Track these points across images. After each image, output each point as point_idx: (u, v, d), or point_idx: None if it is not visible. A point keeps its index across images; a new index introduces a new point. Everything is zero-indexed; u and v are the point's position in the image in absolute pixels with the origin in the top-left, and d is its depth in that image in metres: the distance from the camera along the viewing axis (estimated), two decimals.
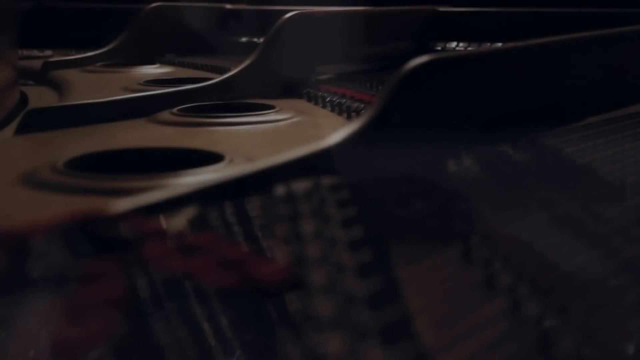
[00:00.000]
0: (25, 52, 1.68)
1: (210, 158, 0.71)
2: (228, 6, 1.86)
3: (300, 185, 0.55)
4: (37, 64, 1.48)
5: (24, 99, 1.19)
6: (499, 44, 1.44)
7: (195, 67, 1.51)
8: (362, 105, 1.00)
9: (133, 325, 0.39)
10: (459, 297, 0.43)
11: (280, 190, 0.54)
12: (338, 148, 0.59)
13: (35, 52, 1.72)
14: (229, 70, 1.18)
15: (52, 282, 0.43)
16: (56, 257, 0.45)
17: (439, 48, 1.57)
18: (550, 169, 0.67)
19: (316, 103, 1.07)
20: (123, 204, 0.50)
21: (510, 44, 0.79)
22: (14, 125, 0.92)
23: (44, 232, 0.47)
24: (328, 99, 1.06)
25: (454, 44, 1.56)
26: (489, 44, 1.51)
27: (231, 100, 1.06)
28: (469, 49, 1.53)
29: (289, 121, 0.95)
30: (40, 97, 1.22)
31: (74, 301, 0.40)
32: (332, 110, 1.01)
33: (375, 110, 0.61)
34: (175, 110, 0.97)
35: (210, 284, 0.42)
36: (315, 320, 0.38)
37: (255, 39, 1.76)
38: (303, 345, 0.36)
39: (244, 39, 1.80)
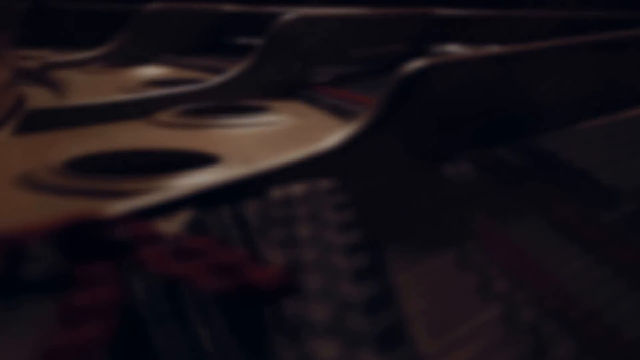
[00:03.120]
0: (25, 52, 1.67)
1: (206, 160, 0.71)
2: (227, 8, 1.86)
3: (297, 189, 0.55)
4: (36, 64, 1.48)
5: (22, 100, 1.19)
6: (496, 47, 1.44)
7: (193, 68, 1.51)
8: (359, 108, 1.00)
9: (128, 329, 0.39)
10: (454, 303, 0.43)
11: (276, 193, 0.54)
12: (335, 151, 0.59)
13: (35, 52, 1.72)
14: (227, 72, 1.18)
15: (47, 286, 0.43)
16: (52, 260, 0.45)
17: (436, 50, 1.57)
18: (546, 173, 0.67)
19: (313, 105, 1.07)
20: (119, 207, 0.50)
21: (508, 48, 0.79)
22: (12, 125, 0.92)
23: (41, 234, 0.47)
24: (325, 101, 1.06)
25: (450, 47, 1.56)
26: (485, 47, 1.51)
27: (228, 102, 1.06)
28: (466, 51, 1.53)
29: (285, 123, 0.95)
30: (39, 98, 1.22)
31: (69, 305, 0.40)
32: (329, 113, 1.01)
33: (372, 114, 0.61)
34: (173, 111, 0.97)
35: (206, 288, 0.42)
36: (310, 325, 0.38)
37: (253, 41, 1.75)
38: (298, 350, 0.36)
39: (242, 41, 1.80)
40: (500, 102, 0.70)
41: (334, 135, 0.60)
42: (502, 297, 0.43)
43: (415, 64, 0.61)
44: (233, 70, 1.15)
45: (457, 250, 0.49)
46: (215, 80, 1.13)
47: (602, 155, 0.71)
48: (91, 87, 1.27)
